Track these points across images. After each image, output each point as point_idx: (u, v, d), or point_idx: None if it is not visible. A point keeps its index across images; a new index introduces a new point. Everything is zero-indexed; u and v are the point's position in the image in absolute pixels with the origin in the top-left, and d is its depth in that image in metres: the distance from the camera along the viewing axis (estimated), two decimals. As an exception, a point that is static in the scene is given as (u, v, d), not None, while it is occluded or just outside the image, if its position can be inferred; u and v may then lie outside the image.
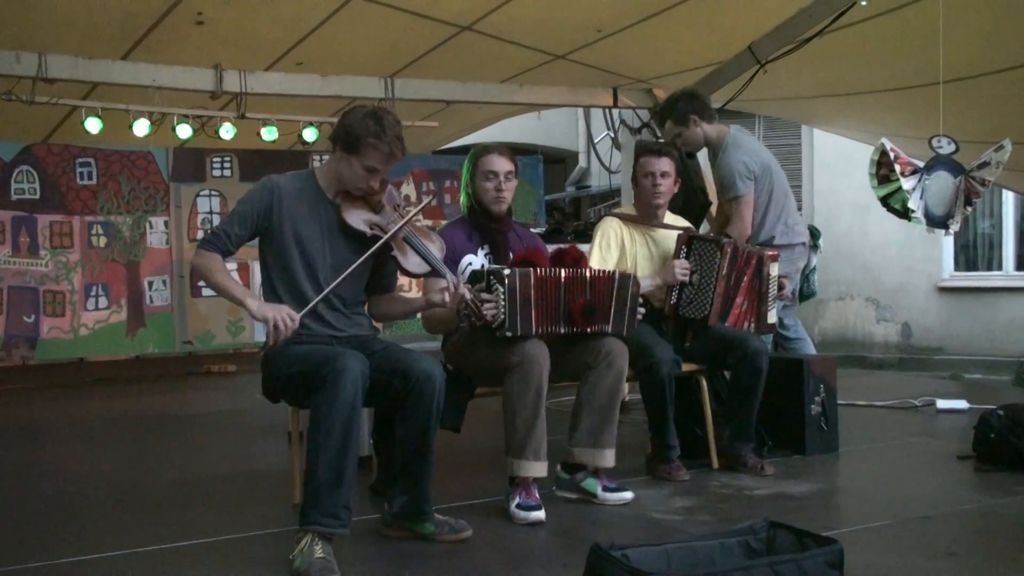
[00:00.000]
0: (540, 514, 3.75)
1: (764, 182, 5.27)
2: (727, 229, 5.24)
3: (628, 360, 4.08)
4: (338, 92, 7.77)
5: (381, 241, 3.56)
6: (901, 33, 6.55)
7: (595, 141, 13.29)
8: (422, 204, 4.12)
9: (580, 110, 13.55)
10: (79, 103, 7.52)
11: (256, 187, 3.64)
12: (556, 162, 16.31)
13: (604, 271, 4.08)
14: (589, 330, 3.99)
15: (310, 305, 3.48)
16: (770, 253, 4.81)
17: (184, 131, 7.82)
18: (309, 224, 3.60)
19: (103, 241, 7.94)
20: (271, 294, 3.62)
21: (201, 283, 7.95)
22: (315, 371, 3.25)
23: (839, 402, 5.26)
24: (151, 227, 8.13)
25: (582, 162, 15.41)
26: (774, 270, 4.80)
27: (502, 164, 4.15)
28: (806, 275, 5.61)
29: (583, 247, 4.86)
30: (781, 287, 4.87)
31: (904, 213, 5.56)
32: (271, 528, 3.78)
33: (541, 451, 3.84)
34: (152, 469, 5.38)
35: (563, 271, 3.94)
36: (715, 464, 4.70)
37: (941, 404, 6.44)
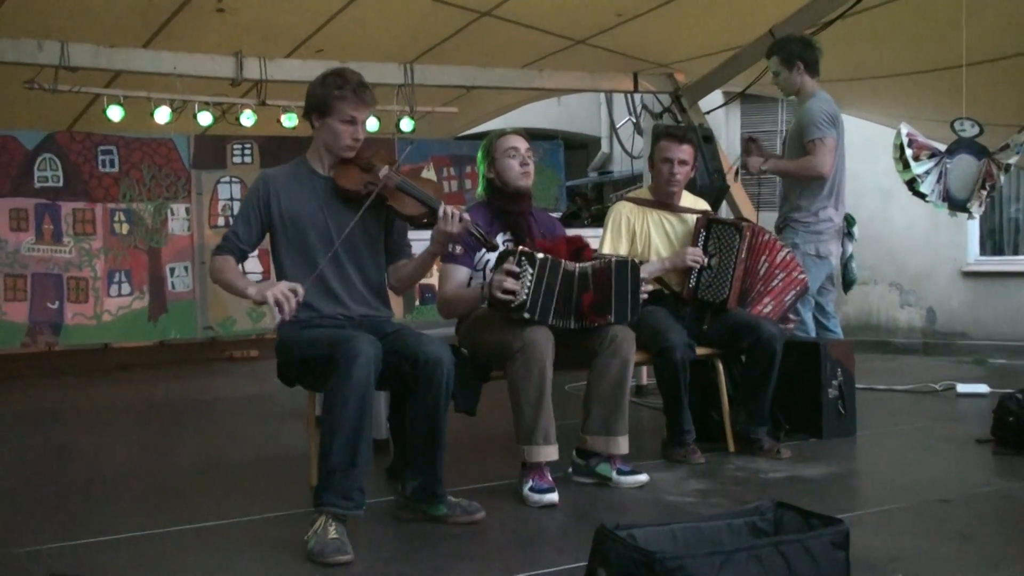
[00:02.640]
0: (553, 496, 3.76)
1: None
2: (799, 162, 5.33)
3: (634, 346, 4.05)
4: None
5: (376, 189, 3.60)
6: (923, 15, 6.51)
7: (617, 126, 13.24)
8: (407, 150, 4.12)
9: (602, 95, 13.51)
10: (101, 91, 7.58)
11: (252, 184, 3.76)
12: (579, 148, 16.26)
13: (602, 263, 3.99)
14: (596, 324, 3.98)
15: (312, 276, 3.55)
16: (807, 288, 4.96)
17: (205, 118, 7.87)
18: (307, 203, 3.67)
19: (125, 228, 8.03)
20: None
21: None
22: (329, 355, 3.28)
23: (858, 386, 5.24)
24: (172, 214, 8.20)
25: (604, 147, 15.35)
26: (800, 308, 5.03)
27: (522, 142, 4.22)
28: (845, 263, 5.59)
29: (597, 232, 4.88)
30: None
31: (930, 197, 5.58)
32: (288, 510, 3.81)
33: (551, 434, 3.84)
34: (173, 454, 5.44)
35: (577, 266, 3.92)
36: (731, 448, 4.68)
37: (961, 388, 6.40)
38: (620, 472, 4.07)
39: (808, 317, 5.41)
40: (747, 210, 7.75)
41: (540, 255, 3.79)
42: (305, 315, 3.60)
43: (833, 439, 4.91)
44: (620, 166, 14.44)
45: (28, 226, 7.70)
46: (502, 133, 4.26)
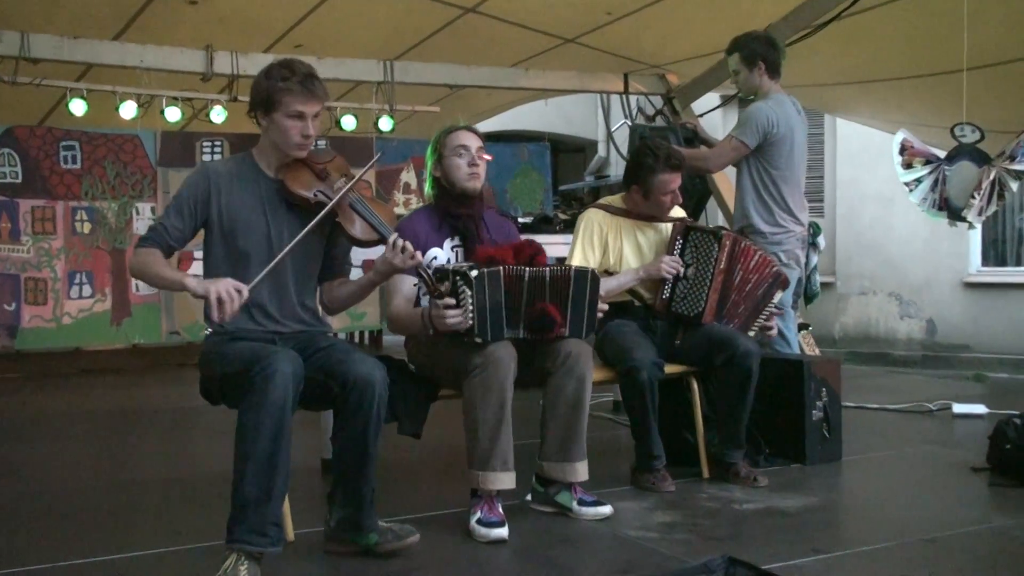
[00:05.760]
0: (502, 532, 3.43)
1: (782, 147, 5.00)
2: (702, 150, 5.23)
3: (592, 363, 3.74)
4: (335, 75, 7.52)
5: (330, 204, 3.28)
6: (924, 17, 6.27)
7: (612, 129, 12.95)
8: (370, 163, 3.83)
9: (598, 97, 13.22)
10: (64, 84, 7.31)
11: (192, 174, 3.42)
12: (575, 151, 15.97)
13: (560, 270, 3.68)
14: (550, 338, 3.66)
15: (259, 276, 3.15)
16: (784, 278, 4.51)
17: (173, 114, 7.59)
18: (248, 205, 3.34)
19: (87, 227, 7.73)
20: None
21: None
22: (245, 372, 2.97)
23: (849, 404, 4.94)
24: (137, 213, 7.90)
25: (601, 151, 15.07)
26: (778, 296, 4.51)
27: (472, 139, 3.86)
28: (808, 274, 5.25)
29: (559, 238, 4.56)
30: (771, 315, 4.57)
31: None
32: (216, 540, 3.49)
33: (509, 460, 3.53)
34: (115, 470, 5.12)
35: (527, 270, 3.59)
36: (705, 473, 4.36)
37: (957, 408, 6.05)
38: (581, 502, 3.75)
39: (792, 334, 5.08)
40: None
41: (474, 273, 3.45)
42: (233, 326, 3.30)
43: (817, 464, 4.57)
44: (616, 170, 14.15)
45: (-16, 224, 7.42)
46: (453, 128, 3.91)
